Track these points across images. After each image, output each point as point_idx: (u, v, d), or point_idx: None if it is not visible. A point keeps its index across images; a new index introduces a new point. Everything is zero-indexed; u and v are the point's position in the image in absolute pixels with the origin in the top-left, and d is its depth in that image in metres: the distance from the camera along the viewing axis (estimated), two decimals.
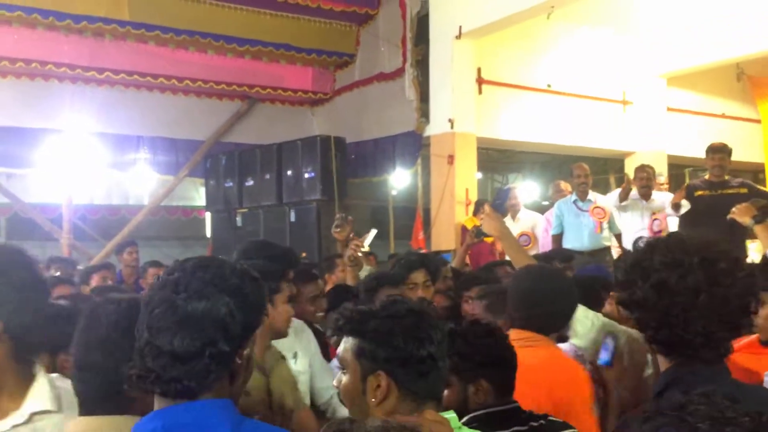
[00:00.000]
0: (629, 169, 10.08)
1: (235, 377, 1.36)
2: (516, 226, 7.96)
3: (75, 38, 8.88)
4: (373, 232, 4.37)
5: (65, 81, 9.25)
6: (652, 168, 7.73)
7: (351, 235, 4.40)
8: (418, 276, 3.48)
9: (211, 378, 1.30)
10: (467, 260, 6.32)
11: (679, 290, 1.46)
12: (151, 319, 1.32)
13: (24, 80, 9.09)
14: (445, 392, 1.90)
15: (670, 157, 10.14)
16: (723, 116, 11.12)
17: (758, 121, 11.08)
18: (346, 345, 1.61)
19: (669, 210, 6.87)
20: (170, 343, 1.28)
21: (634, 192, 7.45)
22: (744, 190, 6.32)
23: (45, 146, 8.92)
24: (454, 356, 1.91)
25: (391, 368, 1.54)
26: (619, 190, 7.70)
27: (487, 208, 3.18)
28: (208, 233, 10.02)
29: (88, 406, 1.54)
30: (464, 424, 1.78)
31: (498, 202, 3.38)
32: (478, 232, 5.59)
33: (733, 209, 3.91)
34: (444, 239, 8.52)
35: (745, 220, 3.76)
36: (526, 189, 12.62)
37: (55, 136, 8.85)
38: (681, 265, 1.47)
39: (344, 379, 1.61)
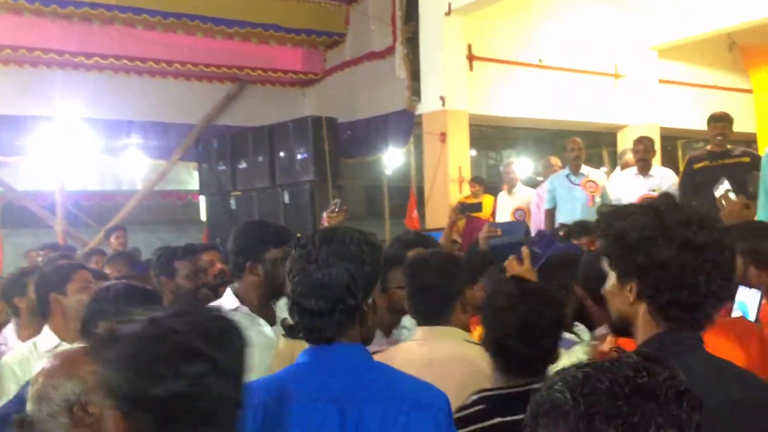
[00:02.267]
0: (622, 143, 10.11)
1: (363, 321, 1.70)
2: (512, 200, 8.02)
3: (62, 24, 8.82)
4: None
5: (54, 67, 9.19)
6: (651, 139, 7.03)
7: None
8: None
9: (344, 327, 1.66)
10: (459, 239, 6.31)
11: (703, 247, 1.45)
12: (293, 285, 1.67)
13: (12, 67, 9.03)
14: None
15: (662, 129, 10.13)
16: (715, 87, 11.10)
17: (750, 91, 11.08)
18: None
19: (674, 190, 6.18)
20: (309, 304, 1.64)
21: (632, 169, 6.97)
22: (746, 159, 6.04)
23: (36, 133, 8.88)
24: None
25: (125, 410, 1.21)
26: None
27: (525, 251, 2.64)
28: (203, 217, 10.03)
29: None
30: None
31: (540, 248, 2.80)
32: (463, 208, 5.57)
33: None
34: (438, 217, 8.52)
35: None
36: (521, 165, 12.61)
37: (45, 123, 8.80)
38: (693, 223, 1.46)
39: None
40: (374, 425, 1.62)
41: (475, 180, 8.48)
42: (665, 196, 1.62)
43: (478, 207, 6.23)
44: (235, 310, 2.59)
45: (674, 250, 1.45)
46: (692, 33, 9.56)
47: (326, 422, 1.62)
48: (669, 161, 10.73)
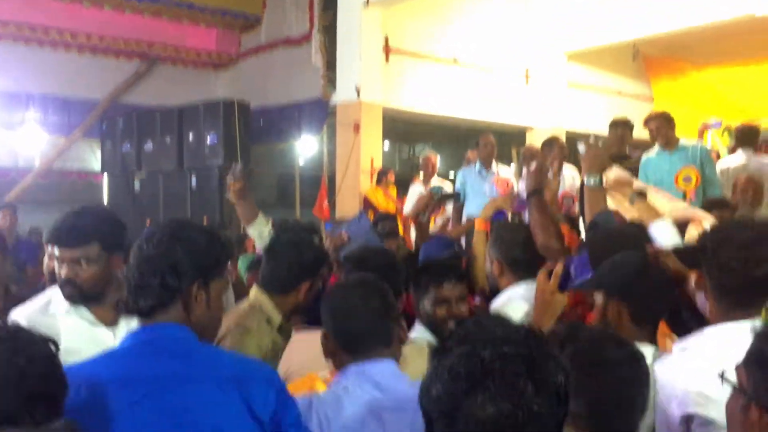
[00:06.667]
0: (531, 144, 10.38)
1: (188, 308, 1.70)
2: (426, 191, 8.07)
3: None
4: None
5: None
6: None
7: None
8: None
9: (162, 303, 1.68)
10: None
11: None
12: (129, 263, 1.75)
13: None
14: None
15: (568, 132, 10.46)
16: (619, 94, 11.54)
17: (651, 99, 11.59)
18: None
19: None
20: (134, 277, 1.70)
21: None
22: None
23: None
24: None
25: None
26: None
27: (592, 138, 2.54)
28: (105, 198, 9.64)
29: None
30: None
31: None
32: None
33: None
34: (348, 208, 8.51)
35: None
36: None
37: None
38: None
39: None
40: (196, 405, 1.60)
41: (385, 171, 8.47)
42: None
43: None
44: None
45: None
46: (600, 41, 9.93)
47: (142, 402, 1.58)
48: (575, 164, 11.08)
